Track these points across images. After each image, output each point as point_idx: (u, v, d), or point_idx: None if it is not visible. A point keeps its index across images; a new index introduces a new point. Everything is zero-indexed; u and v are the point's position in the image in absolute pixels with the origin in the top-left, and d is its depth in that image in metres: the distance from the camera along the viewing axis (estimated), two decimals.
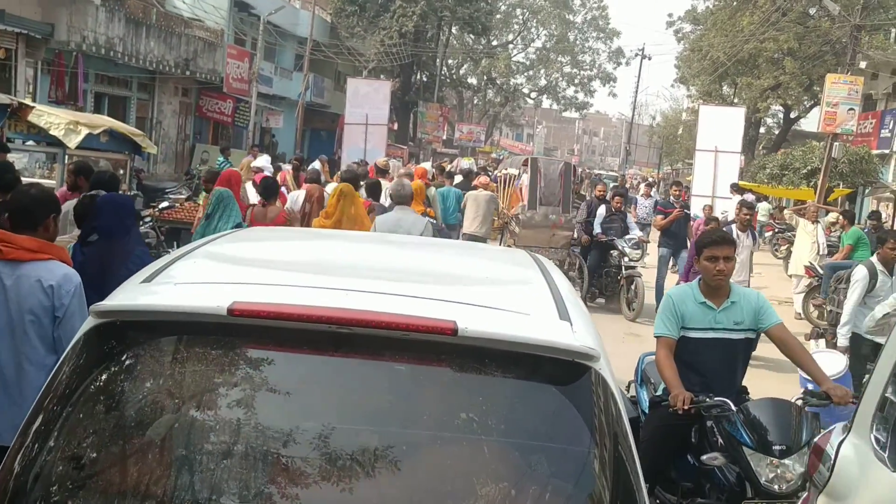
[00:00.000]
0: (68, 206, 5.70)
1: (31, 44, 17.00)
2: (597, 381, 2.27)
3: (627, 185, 33.42)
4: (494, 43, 57.15)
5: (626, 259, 12.38)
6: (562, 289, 2.86)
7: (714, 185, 23.58)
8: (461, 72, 60.75)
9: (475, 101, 65.81)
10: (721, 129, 23.47)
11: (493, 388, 2.30)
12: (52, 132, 8.90)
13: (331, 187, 10.23)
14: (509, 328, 2.26)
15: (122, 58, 21.31)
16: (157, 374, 2.28)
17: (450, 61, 52.49)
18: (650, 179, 54.98)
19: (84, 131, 9.07)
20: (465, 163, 24.87)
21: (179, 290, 2.47)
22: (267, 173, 10.27)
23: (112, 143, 10.06)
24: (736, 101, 41.87)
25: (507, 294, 2.79)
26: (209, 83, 26.89)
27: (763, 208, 22.49)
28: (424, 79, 44.79)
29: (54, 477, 2.09)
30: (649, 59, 60.51)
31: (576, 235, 13.37)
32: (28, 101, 8.79)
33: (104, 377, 2.25)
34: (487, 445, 2.20)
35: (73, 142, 8.94)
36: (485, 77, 58.67)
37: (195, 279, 2.62)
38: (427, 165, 20.47)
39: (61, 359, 2.33)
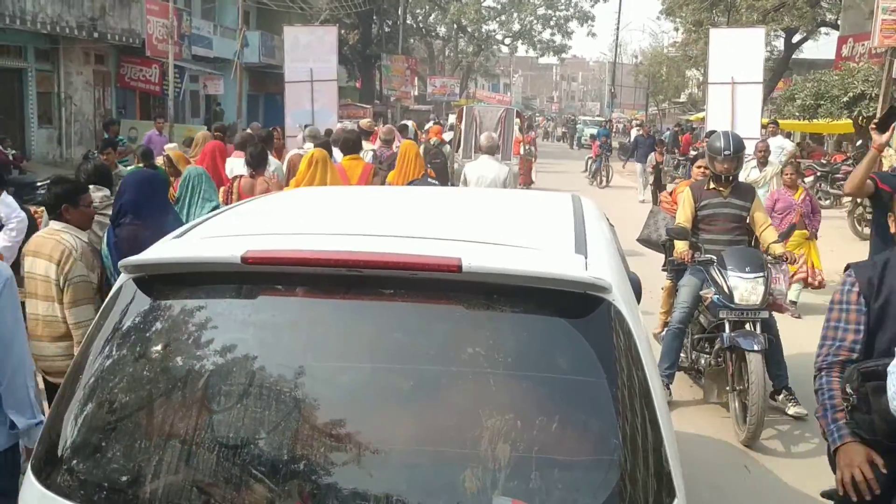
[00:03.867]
0: None
1: None
2: (611, 313, 2.26)
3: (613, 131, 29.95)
4: None
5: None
6: (589, 227, 2.85)
7: (733, 122, 19.79)
8: (429, 21, 56.75)
9: (447, 53, 61.66)
10: (737, 55, 19.66)
11: (504, 322, 2.30)
12: None
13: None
14: (515, 263, 2.29)
15: None
16: (182, 322, 2.39)
17: (416, 10, 47.99)
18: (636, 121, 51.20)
19: None
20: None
21: (201, 243, 2.59)
22: None
23: None
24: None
25: (523, 232, 2.86)
26: (130, 46, 22.78)
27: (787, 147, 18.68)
28: (387, 29, 40.43)
29: (91, 415, 2.26)
30: None
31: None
32: None
33: (135, 327, 2.39)
34: (495, 379, 2.20)
35: None
36: (455, 26, 54.45)
37: (218, 233, 2.71)
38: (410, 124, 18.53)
39: (99, 312, 2.52)
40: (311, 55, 18.52)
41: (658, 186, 19.59)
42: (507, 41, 60.63)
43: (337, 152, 9.62)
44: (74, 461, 2.19)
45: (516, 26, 59.44)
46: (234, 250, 2.25)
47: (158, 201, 4.76)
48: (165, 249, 2.57)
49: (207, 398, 2.22)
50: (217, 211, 3.25)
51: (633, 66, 69.82)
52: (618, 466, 2.06)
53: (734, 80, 19.31)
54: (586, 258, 2.39)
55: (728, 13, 39.21)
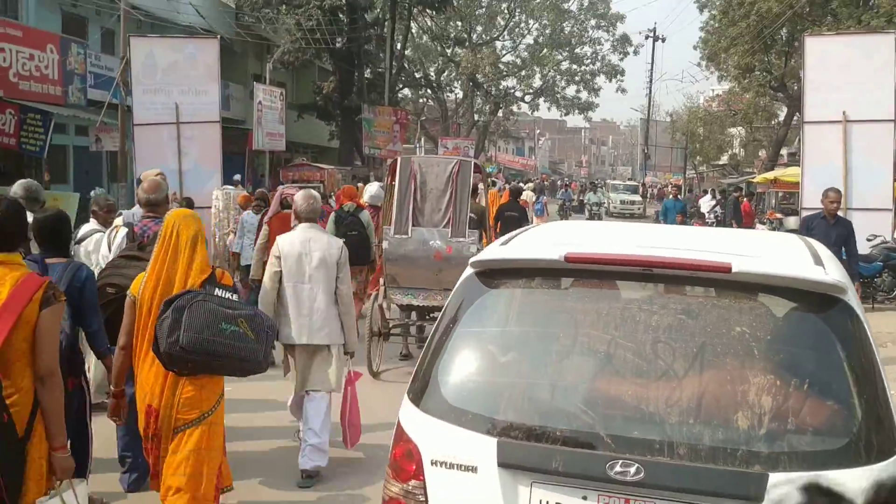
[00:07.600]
0: None
1: None
2: (846, 310, 2.96)
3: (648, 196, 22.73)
4: (477, 40, 47.19)
5: None
6: (820, 251, 3.58)
7: (847, 180, 12.69)
8: (441, 79, 50.87)
9: (461, 113, 55.44)
10: (851, 77, 12.56)
11: (763, 310, 3.03)
12: None
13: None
14: (773, 268, 3.08)
15: None
16: (512, 303, 3.33)
17: (407, 52, 41.19)
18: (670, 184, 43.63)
19: None
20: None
21: (527, 247, 3.52)
22: None
23: None
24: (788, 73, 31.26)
25: (772, 250, 3.73)
26: None
27: None
28: (370, 75, 33.76)
29: (450, 363, 3.21)
30: (662, 40, 50.14)
31: None
32: None
33: (478, 306, 3.32)
34: (758, 349, 2.93)
35: None
36: (471, 82, 48.38)
37: (537, 242, 3.64)
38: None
39: (452, 293, 3.45)
40: (175, 83, 11.69)
41: None
42: (528, 98, 54.59)
43: None
44: (441, 394, 3.14)
45: (538, 82, 53.66)
46: (557, 252, 3.13)
47: None
48: (501, 251, 3.45)
49: (532, 358, 3.17)
50: (523, 229, 4.17)
51: (667, 123, 63.01)
52: (854, 421, 2.77)
53: (847, 116, 12.27)
54: (824, 268, 3.13)
55: (787, 51, 32.41)
